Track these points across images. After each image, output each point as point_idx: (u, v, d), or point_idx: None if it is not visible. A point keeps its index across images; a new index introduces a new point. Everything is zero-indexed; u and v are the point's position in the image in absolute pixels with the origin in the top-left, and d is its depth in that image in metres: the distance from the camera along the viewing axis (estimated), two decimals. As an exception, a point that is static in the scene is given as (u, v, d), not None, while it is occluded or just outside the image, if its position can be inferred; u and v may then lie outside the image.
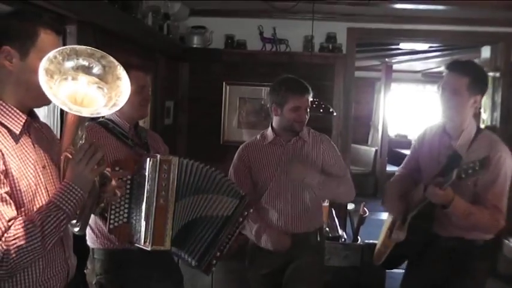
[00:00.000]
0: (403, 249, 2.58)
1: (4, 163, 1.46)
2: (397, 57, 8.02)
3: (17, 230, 1.43)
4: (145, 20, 3.49)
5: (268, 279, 2.72)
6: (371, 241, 3.26)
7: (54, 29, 1.58)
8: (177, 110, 4.84)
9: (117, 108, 1.49)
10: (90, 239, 2.37)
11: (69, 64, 1.45)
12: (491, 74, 4.93)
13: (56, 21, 1.61)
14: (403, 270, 2.75)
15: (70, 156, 1.55)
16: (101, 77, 1.49)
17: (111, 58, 1.51)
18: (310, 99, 2.69)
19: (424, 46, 6.40)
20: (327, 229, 3.75)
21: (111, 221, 2.22)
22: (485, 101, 5.03)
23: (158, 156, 2.16)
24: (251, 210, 2.33)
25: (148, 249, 2.14)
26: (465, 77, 2.38)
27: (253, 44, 4.91)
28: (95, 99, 1.48)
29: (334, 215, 4.20)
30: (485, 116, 5.12)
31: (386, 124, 9.22)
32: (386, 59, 8.45)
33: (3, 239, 1.41)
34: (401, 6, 4.36)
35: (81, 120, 1.52)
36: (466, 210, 2.33)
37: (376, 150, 9.33)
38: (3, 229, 1.42)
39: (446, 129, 2.52)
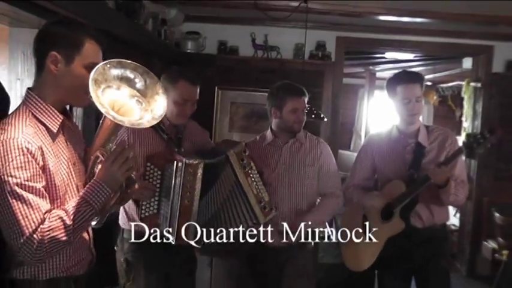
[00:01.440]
0: (393, 248, 2.76)
1: (43, 159, 1.60)
2: (381, 66, 8.23)
3: (51, 222, 1.58)
4: (146, 26, 3.61)
5: (266, 277, 2.87)
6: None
7: (98, 40, 1.72)
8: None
9: (155, 122, 1.64)
10: (122, 220, 2.60)
11: (115, 72, 1.59)
12: (472, 84, 5.16)
13: (100, 33, 1.76)
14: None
15: (101, 157, 1.69)
16: (141, 92, 1.63)
17: (152, 74, 1.66)
18: (306, 101, 2.86)
19: (409, 56, 6.62)
20: (320, 229, 3.89)
21: (143, 211, 2.42)
22: (467, 110, 5.26)
23: (184, 160, 2.31)
24: (246, 153, 2.49)
25: (173, 243, 2.35)
26: (421, 85, 2.77)
27: (245, 50, 5.06)
28: (132, 110, 1.62)
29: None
30: (466, 124, 5.34)
31: (368, 130, 9.41)
32: (370, 67, 8.65)
33: (39, 229, 1.55)
34: (387, 18, 4.55)
35: (118, 127, 1.66)
36: (454, 187, 2.65)
37: (358, 156, 9.49)
38: (39, 221, 1.56)
39: (402, 131, 2.86)
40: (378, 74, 9.30)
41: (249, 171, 2.46)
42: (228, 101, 5.05)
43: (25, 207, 1.54)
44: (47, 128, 1.68)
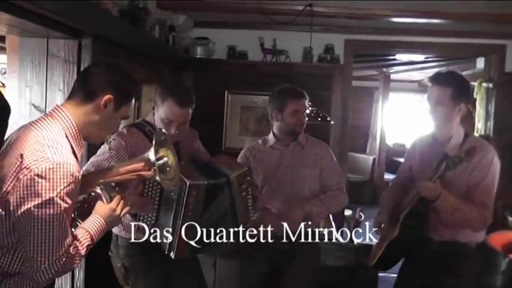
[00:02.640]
0: (395, 250, 2.74)
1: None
2: (394, 67, 8.20)
3: (72, 250, 1.71)
4: (152, 32, 3.68)
5: (268, 277, 2.91)
6: (365, 242, 3.43)
7: (137, 98, 1.94)
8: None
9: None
10: (116, 228, 2.61)
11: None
12: (484, 84, 5.12)
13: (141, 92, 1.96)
14: (396, 275, 2.91)
15: (99, 192, 1.88)
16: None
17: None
18: (307, 103, 2.90)
19: (420, 57, 6.60)
20: (324, 233, 3.92)
21: (140, 221, 2.46)
22: (479, 111, 5.21)
23: (188, 182, 2.32)
24: (247, 178, 2.51)
25: (172, 257, 2.39)
26: (448, 88, 2.56)
27: (254, 55, 5.10)
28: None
29: (332, 220, 4.36)
30: (479, 125, 5.29)
31: (384, 133, 9.39)
32: (384, 69, 8.62)
33: (64, 254, 1.68)
34: (396, 19, 4.55)
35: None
36: (453, 205, 2.49)
37: (374, 159, 9.48)
38: (66, 248, 1.69)
39: (436, 137, 2.71)
40: (392, 76, 9.27)
41: (246, 196, 2.50)
42: (238, 105, 5.10)
43: (62, 233, 1.65)
44: (75, 156, 1.78)
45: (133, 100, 1.86)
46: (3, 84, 3.21)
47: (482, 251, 2.64)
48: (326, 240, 3.83)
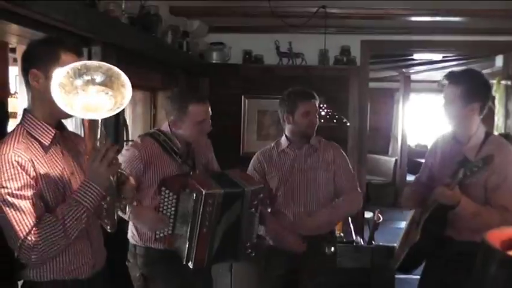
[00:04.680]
0: (417, 252, 2.67)
1: (34, 170, 1.70)
2: (414, 68, 8.09)
3: (43, 224, 1.68)
4: (165, 38, 3.68)
5: (284, 280, 2.87)
6: (381, 243, 3.37)
7: (75, 51, 1.80)
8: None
9: (121, 109, 1.69)
10: (134, 238, 2.61)
11: (79, 82, 1.65)
12: (503, 82, 5.00)
13: (77, 45, 1.84)
14: (417, 276, 2.84)
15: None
16: (107, 85, 1.68)
17: (116, 69, 1.70)
18: (317, 104, 2.87)
19: (438, 56, 6.48)
20: (341, 234, 3.88)
21: (157, 232, 2.44)
22: (499, 109, 5.09)
23: (204, 191, 2.27)
24: (261, 195, 2.47)
25: (190, 267, 2.37)
26: (459, 87, 2.47)
27: (270, 59, 5.07)
28: (104, 104, 1.68)
29: (350, 222, 4.31)
30: (499, 123, 5.17)
31: (405, 134, 9.27)
32: (404, 70, 8.51)
33: (32, 231, 1.66)
34: (412, 18, 4.46)
35: (95, 124, 1.71)
36: (474, 211, 2.40)
37: (396, 160, 9.38)
38: (31, 224, 1.66)
39: (457, 136, 2.61)
40: (413, 77, 9.16)
41: (254, 213, 2.46)
42: (255, 110, 5.07)
43: (18, 213, 1.65)
44: (40, 142, 1.77)
45: (62, 56, 1.73)
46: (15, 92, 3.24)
47: None
48: (344, 241, 3.83)
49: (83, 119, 1.77)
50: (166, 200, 2.41)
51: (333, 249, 2.89)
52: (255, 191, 2.41)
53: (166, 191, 2.41)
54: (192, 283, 2.63)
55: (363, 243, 4.08)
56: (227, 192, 2.33)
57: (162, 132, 2.59)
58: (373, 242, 4.02)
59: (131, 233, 2.62)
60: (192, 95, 2.59)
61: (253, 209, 2.42)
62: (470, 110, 2.50)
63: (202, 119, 2.55)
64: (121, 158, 2.36)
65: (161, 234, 2.44)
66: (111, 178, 1.79)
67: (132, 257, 2.62)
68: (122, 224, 2.71)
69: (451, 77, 2.55)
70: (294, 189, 2.85)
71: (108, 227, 1.89)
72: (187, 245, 2.34)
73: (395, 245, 2.95)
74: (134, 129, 3.91)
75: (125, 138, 3.25)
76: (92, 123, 1.72)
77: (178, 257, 2.47)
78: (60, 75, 1.62)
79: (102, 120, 1.69)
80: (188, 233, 2.33)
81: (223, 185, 2.36)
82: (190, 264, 2.36)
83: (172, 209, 2.41)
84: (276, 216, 2.85)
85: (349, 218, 4.41)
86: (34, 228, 1.66)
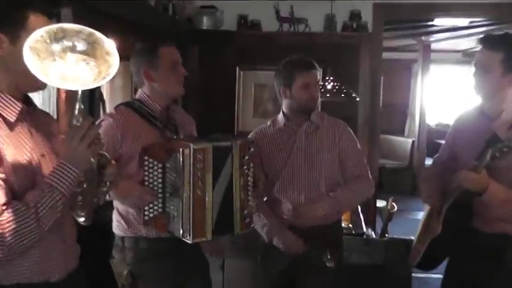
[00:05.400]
0: (438, 247, 2.66)
1: None
2: (435, 35, 8.04)
3: (10, 213, 1.61)
4: (147, 0, 3.64)
5: (282, 276, 2.89)
6: (396, 236, 3.36)
7: (45, 12, 1.75)
8: (185, 100, 4.97)
9: (106, 80, 1.65)
10: (120, 228, 2.59)
11: (56, 47, 1.61)
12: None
13: (47, 4, 1.77)
14: (437, 275, 2.83)
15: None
16: (89, 53, 1.65)
17: (99, 34, 1.67)
18: (319, 75, 2.86)
19: (463, 21, 6.43)
20: (350, 225, 3.89)
21: (146, 212, 2.42)
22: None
23: (191, 145, 2.30)
24: (251, 149, 2.47)
25: (190, 242, 2.33)
26: (499, 53, 2.44)
27: (268, 25, 5.03)
28: (85, 75, 1.65)
29: (360, 211, 4.32)
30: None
31: (424, 112, 9.26)
32: (423, 38, 8.45)
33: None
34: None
35: (74, 97, 1.68)
36: (504, 198, 2.37)
37: (414, 142, 9.39)
38: None
39: (485, 110, 2.58)
40: (433, 46, 9.11)
41: (246, 172, 2.44)
42: (251, 83, 5.07)
43: None
44: (3, 118, 1.71)
45: (31, 16, 1.70)
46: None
47: None
48: (352, 233, 3.84)
49: (58, 93, 1.73)
50: (151, 171, 2.41)
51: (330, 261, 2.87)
52: (243, 144, 2.44)
53: (150, 160, 2.40)
54: (189, 283, 2.63)
55: (374, 236, 4.10)
56: (216, 146, 2.35)
57: (136, 100, 2.61)
58: (387, 235, 4.04)
59: (116, 223, 2.60)
60: (161, 40, 2.64)
61: (245, 167, 2.43)
62: (510, 80, 2.48)
63: (176, 60, 2.60)
64: None
65: (150, 214, 2.42)
66: (92, 160, 1.76)
67: (119, 252, 2.59)
68: (101, 216, 2.70)
69: (488, 41, 2.51)
70: (293, 174, 2.85)
71: (83, 219, 1.85)
72: (182, 214, 2.33)
73: (412, 238, 2.95)
74: (112, 105, 3.85)
75: (101, 115, 3.23)
76: (70, 96, 1.70)
77: (174, 252, 2.49)
78: (32, 39, 1.58)
79: (82, 94, 1.66)
80: (181, 201, 2.32)
81: (210, 140, 2.39)
82: (188, 238, 2.32)
83: (159, 180, 2.41)
84: (273, 205, 2.86)
85: (359, 207, 4.42)
86: (0, 219, 1.60)
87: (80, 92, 1.66)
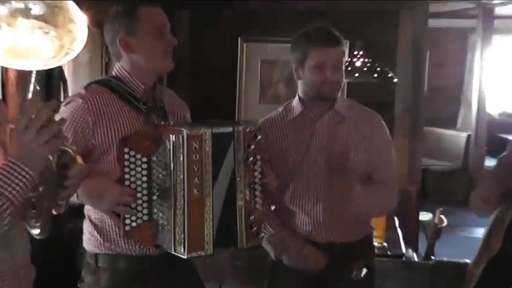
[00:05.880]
0: (498, 269, 2.72)
1: None
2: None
3: None
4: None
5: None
6: (445, 259, 3.36)
7: None
8: (172, 80, 5.01)
9: (70, 57, 1.70)
10: (93, 242, 2.58)
11: (2, 10, 1.64)
12: None
13: None
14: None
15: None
16: (47, 20, 1.68)
17: None
18: (343, 52, 2.86)
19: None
20: (385, 244, 3.93)
21: (127, 221, 2.40)
22: None
23: (184, 131, 2.29)
24: (258, 137, 2.47)
25: (184, 256, 2.32)
26: None
27: (280, -16, 5.12)
28: (42, 48, 1.70)
29: (397, 226, 4.39)
30: None
31: (484, 97, 9.22)
32: (484, 0, 8.47)
33: None
34: None
35: (26, 78, 1.73)
36: None
37: (469, 136, 9.39)
38: None
39: None
40: (498, 11, 9.09)
41: (253, 166, 2.47)
42: (257, 58, 5.15)
43: None
44: None
45: None
46: None
47: None
48: (387, 255, 3.89)
49: (6, 71, 1.77)
50: (132, 166, 2.39)
51: (364, 272, 2.93)
52: (248, 131, 2.44)
53: (131, 153, 2.38)
54: None
55: (416, 258, 4.13)
56: (216, 133, 2.35)
57: (113, 77, 2.63)
58: (433, 257, 4.07)
59: (88, 235, 2.61)
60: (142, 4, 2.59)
61: (251, 159, 2.45)
62: None
63: (161, 24, 2.58)
64: (57, 116, 2.34)
65: (133, 223, 2.41)
66: (50, 158, 1.78)
67: (91, 274, 2.60)
68: (64, 227, 2.74)
69: None
70: (311, 176, 2.88)
71: (37, 232, 1.90)
72: (173, 220, 2.32)
73: (467, 261, 2.98)
74: (76, 86, 3.92)
75: (62, 99, 3.26)
76: (21, 76, 1.73)
77: (161, 273, 2.51)
78: None
79: (37, 74, 1.70)
80: (173, 205, 2.33)
81: (208, 126, 2.38)
82: (182, 252, 2.32)
83: (144, 179, 2.41)
84: (282, 217, 2.91)
85: (396, 221, 4.47)
86: None
87: (34, 73, 1.69)
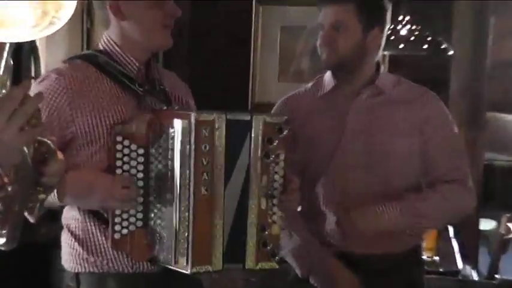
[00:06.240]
0: None
1: None
2: None
3: None
4: None
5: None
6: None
7: None
8: (170, 54, 5.00)
9: (55, 28, 1.68)
10: (74, 258, 2.55)
11: None
12: None
13: None
14: None
15: None
16: None
17: None
18: (353, 11, 2.83)
19: None
20: (436, 258, 3.92)
21: (117, 227, 2.40)
22: None
23: (192, 115, 2.29)
24: (284, 133, 2.44)
25: (187, 272, 2.33)
26: None
27: None
28: (21, 16, 1.68)
29: (452, 236, 4.35)
30: None
31: None
32: None
33: None
34: None
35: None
36: None
37: (542, 125, 9.38)
38: None
39: None
40: None
41: (273, 166, 2.44)
42: (276, 25, 5.15)
43: None
44: None
45: None
46: None
47: None
48: (440, 272, 3.87)
49: None
50: (126, 159, 2.40)
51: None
52: (271, 122, 2.43)
53: (125, 143, 2.40)
54: None
55: (476, 276, 4.12)
56: (231, 120, 2.35)
57: (99, 52, 2.61)
58: (497, 275, 4.08)
59: (68, 249, 2.58)
60: None
61: (272, 157, 2.43)
62: None
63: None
64: None
65: (124, 230, 2.41)
66: (25, 151, 1.78)
67: None
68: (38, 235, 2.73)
69: None
70: (344, 167, 2.87)
71: (2, 242, 1.88)
72: (176, 227, 2.32)
73: None
74: (51, 61, 3.93)
75: (33, 75, 3.27)
76: None
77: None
78: None
79: (11, 46, 1.68)
80: (175, 208, 2.32)
81: (220, 111, 2.37)
82: (185, 267, 2.32)
83: (140, 175, 2.41)
84: (309, 220, 2.91)
85: (451, 230, 4.45)
86: None
87: (8, 45, 1.67)
